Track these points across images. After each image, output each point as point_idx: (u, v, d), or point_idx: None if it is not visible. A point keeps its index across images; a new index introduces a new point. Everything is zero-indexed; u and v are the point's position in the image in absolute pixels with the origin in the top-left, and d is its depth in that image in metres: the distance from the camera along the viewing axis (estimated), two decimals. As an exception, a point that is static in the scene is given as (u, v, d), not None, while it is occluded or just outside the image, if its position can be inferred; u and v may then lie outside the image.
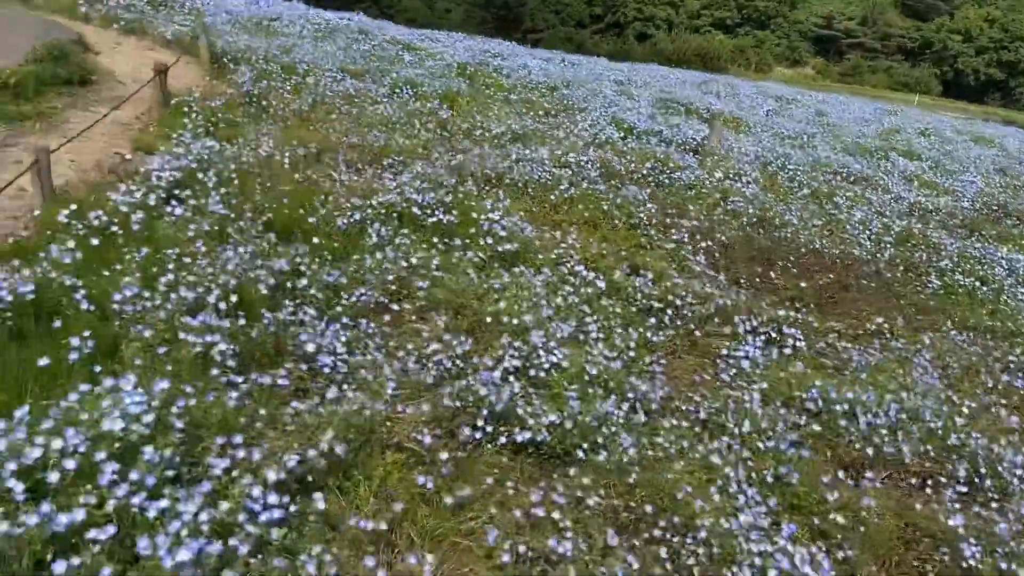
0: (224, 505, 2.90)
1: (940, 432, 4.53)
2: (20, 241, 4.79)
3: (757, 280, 6.91)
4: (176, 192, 5.77)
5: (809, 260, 7.62)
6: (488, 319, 4.97)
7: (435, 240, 6.07)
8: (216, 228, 5.46)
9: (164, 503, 2.81)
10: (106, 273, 4.47)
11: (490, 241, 6.02)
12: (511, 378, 4.44)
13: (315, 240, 5.59)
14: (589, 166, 8.32)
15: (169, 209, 5.49)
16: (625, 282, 5.78)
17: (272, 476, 3.12)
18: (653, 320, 5.43)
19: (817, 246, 7.86)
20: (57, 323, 3.89)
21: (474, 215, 6.38)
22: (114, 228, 4.96)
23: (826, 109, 17.00)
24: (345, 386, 4.02)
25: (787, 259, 7.44)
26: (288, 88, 9.34)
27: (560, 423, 4.01)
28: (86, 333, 3.72)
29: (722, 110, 13.07)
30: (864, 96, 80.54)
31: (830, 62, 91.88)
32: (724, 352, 5.33)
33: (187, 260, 4.87)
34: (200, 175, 5.98)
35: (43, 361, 3.58)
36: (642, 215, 7.28)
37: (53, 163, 6.13)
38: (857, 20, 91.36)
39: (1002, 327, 6.62)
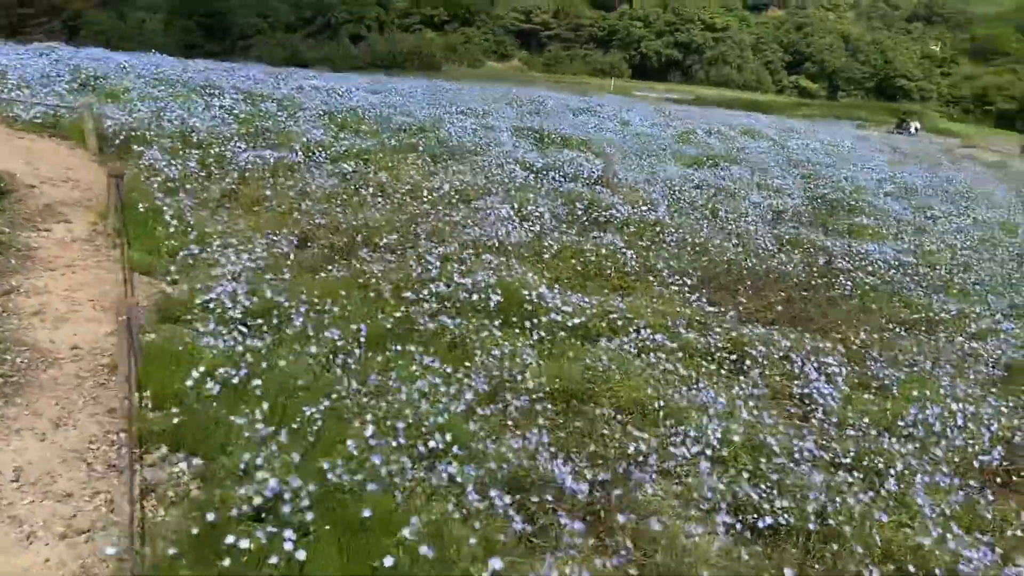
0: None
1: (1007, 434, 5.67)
2: (182, 424, 4.15)
3: (741, 308, 7.79)
4: (249, 321, 5.27)
5: (754, 281, 8.65)
6: (632, 402, 5.28)
7: (493, 322, 6.13)
8: (325, 353, 5.13)
9: None
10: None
11: (556, 317, 6.23)
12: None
13: (419, 349, 5.43)
14: (544, 215, 8.69)
15: (260, 344, 5.03)
16: (693, 339, 6.32)
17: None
18: (741, 372, 6.05)
19: (751, 265, 8.93)
20: (366, 511, 3.55)
21: (519, 292, 6.53)
22: (255, 383, 4.48)
23: (626, 117, 18.63)
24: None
25: (740, 283, 8.41)
26: (193, 163, 8.52)
27: (794, 506, 4.45)
28: (413, 520, 3.49)
29: (571, 134, 13.90)
30: (566, 83, 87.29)
31: (533, 54, 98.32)
32: (796, 391, 6.09)
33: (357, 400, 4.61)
34: (250, 293, 5.49)
35: (388, 561, 3.32)
36: (631, 263, 7.83)
37: (70, 308, 5.33)
38: (551, 14, 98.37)
39: (924, 317, 8.13)
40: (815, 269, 9.24)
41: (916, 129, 50.43)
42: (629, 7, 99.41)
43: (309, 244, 7.18)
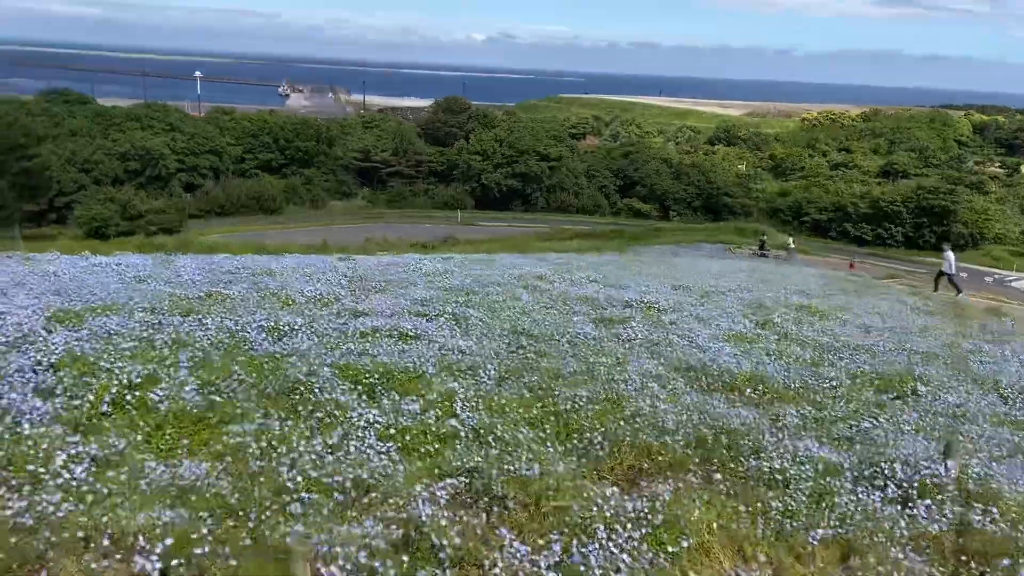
0: None
1: None
2: None
3: None
4: None
5: None
6: None
7: None
8: None
9: None
10: None
11: None
12: None
13: None
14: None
15: None
16: None
17: None
18: None
19: None
20: None
21: None
22: None
23: (671, 301, 15.45)
24: None
25: None
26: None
27: None
28: None
29: (726, 366, 10.37)
30: (414, 219, 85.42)
31: (376, 191, 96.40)
32: None
33: None
34: None
35: None
36: None
37: None
38: (390, 152, 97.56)
39: None
40: None
41: (791, 247, 51.68)
42: (466, 143, 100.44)
43: None
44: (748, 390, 9.81)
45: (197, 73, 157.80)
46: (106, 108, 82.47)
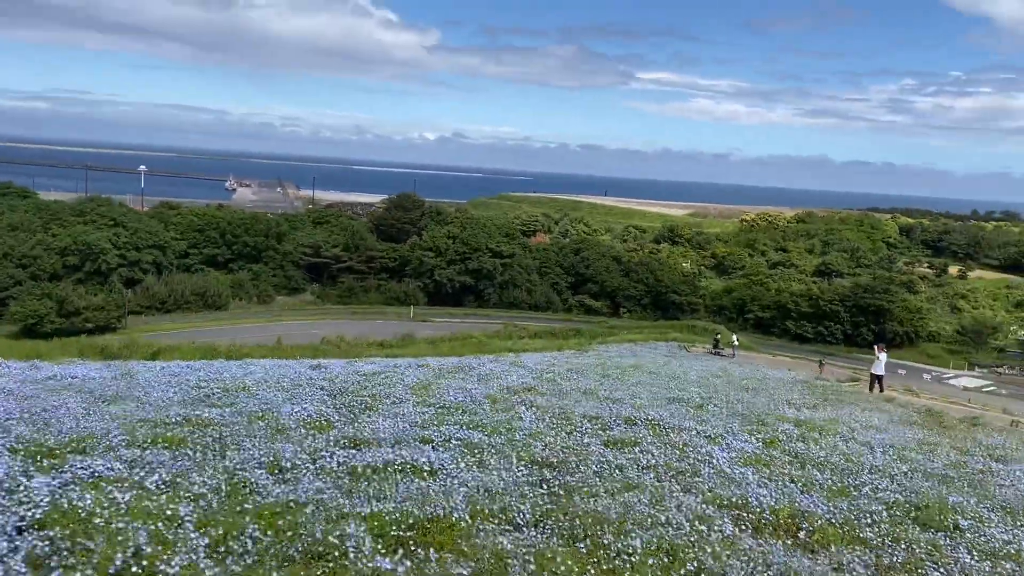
0: None
1: None
2: None
3: None
4: None
5: None
6: None
7: None
8: None
9: None
10: None
11: None
12: None
13: None
14: None
15: None
16: None
17: None
18: None
19: None
20: None
21: None
22: None
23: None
24: None
25: None
26: None
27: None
28: None
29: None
30: (365, 316, 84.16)
31: (325, 286, 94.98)
32: None
33: None
34: None
35: None
36: None
37: None
38: (341, 247, 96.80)
39: None
40: None
41: (735, 344, 52.40)
42: (419, 239, 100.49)
43: None
44: (796, 530, 9.15)
45: (141, 167, 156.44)
46: (47, 202, 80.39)
